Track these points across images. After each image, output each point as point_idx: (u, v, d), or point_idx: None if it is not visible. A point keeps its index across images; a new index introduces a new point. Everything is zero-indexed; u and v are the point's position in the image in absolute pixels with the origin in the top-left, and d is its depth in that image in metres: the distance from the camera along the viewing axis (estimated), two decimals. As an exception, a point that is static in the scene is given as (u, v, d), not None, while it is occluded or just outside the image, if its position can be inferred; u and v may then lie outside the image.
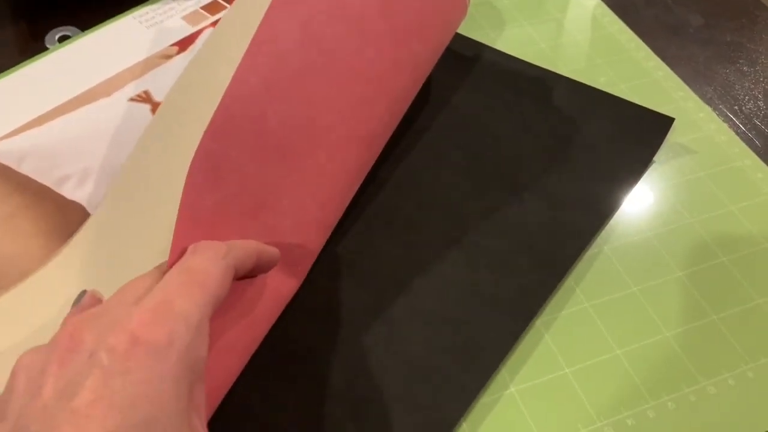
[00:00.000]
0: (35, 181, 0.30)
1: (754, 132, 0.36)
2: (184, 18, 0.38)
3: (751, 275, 0.30)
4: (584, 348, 0.27)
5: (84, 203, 0.30)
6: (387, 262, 0.28)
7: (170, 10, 0.39)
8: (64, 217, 0.29)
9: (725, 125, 0.36)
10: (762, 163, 0.34)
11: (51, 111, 0.33)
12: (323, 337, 0.26)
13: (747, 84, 0.39)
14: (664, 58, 0.40)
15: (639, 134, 0.33)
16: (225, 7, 0.39)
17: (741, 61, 0.40)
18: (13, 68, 0.36)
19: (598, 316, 0.28)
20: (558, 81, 0.37)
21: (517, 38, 0.41)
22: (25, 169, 0.31)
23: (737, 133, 0.36)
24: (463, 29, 0.40)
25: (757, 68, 0.40)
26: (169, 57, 0.36)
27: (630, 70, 0.39)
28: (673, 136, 0.35)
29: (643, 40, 0.41)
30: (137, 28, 0.38)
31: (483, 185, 0.31)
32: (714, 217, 0.32)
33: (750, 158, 0.35)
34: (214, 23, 0.38)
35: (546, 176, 0.32)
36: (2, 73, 0.36)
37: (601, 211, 0.31)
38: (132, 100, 0.34)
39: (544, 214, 0.30)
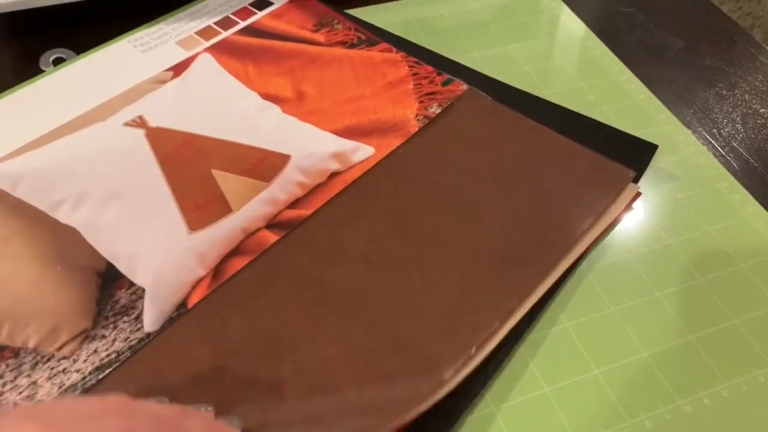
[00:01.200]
0: (29, 205, 0.31)
1: (732, 155, 0.37)
2: (179, 43, 0.39)
3: (727, 295, 0.31)
4: (564, 367, 0.28)
5: (78, 227, 0.30)
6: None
7: (165, 35, 0.40)
8: (57, 242, 0.30)
9: (704, 148, 0.37)
10: (739, 185, 0.35)
11: (46, 135, 0.34)
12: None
13: (726, 107, 0.40)
14: (645, 82, 0.41)
15: (623, 161, 0.34)
16: (219, 33, 0.40)
17: (720, 84, 0.41)
18: (8, 91, 0.37)
19: (578, 336, 0.29)
20: (543, 106, 0.38)
21: (502, 60, 0.42)
22: (20, 192, 0.31)
23: (715, 156, 0.37)
24: (449, 51, 0.41)
25: (736, 92, 0.41)
26: (163, 82, 0.37)
27: (613, 93, 0.40)
28: (654, 159, 0.36)
29: (626, 64, 0.42)
30: (132, 52, 0.39)
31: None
32: (692, 238, 0.33)
33: (727, 180, 0.36)
34: (208, 48, 0.39)
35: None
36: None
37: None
38: (127, 124, 0.34)
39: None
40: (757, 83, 0.41)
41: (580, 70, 0.42)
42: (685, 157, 0.37)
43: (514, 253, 0.30)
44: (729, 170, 0.36)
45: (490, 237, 0.31)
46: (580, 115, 0.37)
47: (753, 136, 0.38)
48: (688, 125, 0.39)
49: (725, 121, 0.39)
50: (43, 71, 0.38)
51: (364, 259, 0.30)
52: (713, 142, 0.38)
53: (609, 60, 0.42)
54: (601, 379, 0.28)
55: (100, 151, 0.33)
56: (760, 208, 0.34)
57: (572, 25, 0.45)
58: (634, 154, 0.35)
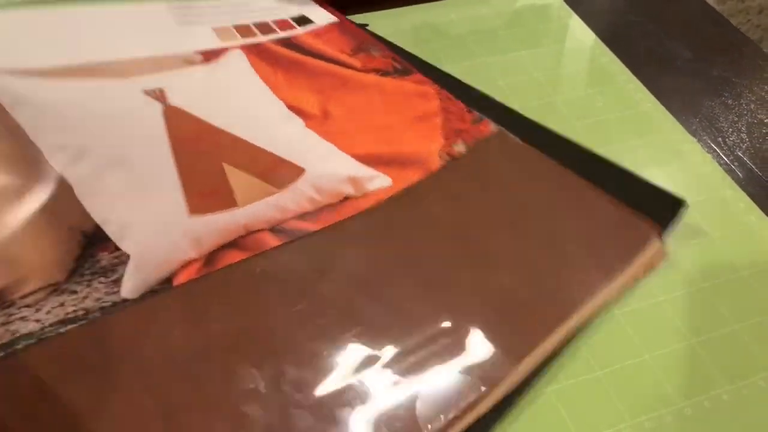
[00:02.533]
0: (27, 136, 0.29)
1: (736, 164, 0.38)
2: (215, 30, 0.38)
3: (730, 301, 0.31)
4: (570, 369, 0.29)
5: (73, 183, 0.28)
6: None
7: (203, 15, 0.39)
8: (46, 190, 0.28)
9: (709, 156, 0.38)
10: (743, 194, 0.36)
11: (58, 67, 0.32)
12: None
13: (731, 117, 0.40)
14: (652, 90, 0.42)
15: (648, 213, 0.32)
16: (256, 35, 0.40)
17: (726, 94, 0.42)
18: (30, 3, 0.35)
19: (582, 340, 0.30)
20: (571, 148, 0.36)
21: (511, 66, 0.42)
22: (19, 117, 0.29)
23: (720, 164, 0.37)
24: (456, 57, 0.42)
25: (742, 102, 0.41)
26: (191, 63, 0.36)
27: (620, 100, 0.41)
28: (657, 168, 0.37)
29: (634, 72, 0.43)
30: (167, 19, 0.38)
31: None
32: (695, 244, 0.33)
33: (732, 189, 0.36)
34: (242, 47, 0.38)
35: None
36: (17, 3, 0.35)
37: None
38: (146, 93, 0.33)
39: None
40: (763, 94, 0.42)
41: (589, 77, 0.42)
42: (690, 165, 0.37)
43: (522, 305, 0.29)
44: (733, 179, 0.37)
45: (500, 286, 0.29)
46: (609, 161, 0.35)
47: (758, 145, 0.39)
48: (693, 134, 0.39)
49: (730, 130, 0.40)
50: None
51: (363, 284, 0.29)
52: (718, 150, 0.38)
53: (617, 68, 0.43)
54: (603, 380, 0.28)
55: (113, 110, 0.32)
56: (764, 217, 0.35)
57: (582, 33, 0.46)
58: (659, 207, 0.33)
